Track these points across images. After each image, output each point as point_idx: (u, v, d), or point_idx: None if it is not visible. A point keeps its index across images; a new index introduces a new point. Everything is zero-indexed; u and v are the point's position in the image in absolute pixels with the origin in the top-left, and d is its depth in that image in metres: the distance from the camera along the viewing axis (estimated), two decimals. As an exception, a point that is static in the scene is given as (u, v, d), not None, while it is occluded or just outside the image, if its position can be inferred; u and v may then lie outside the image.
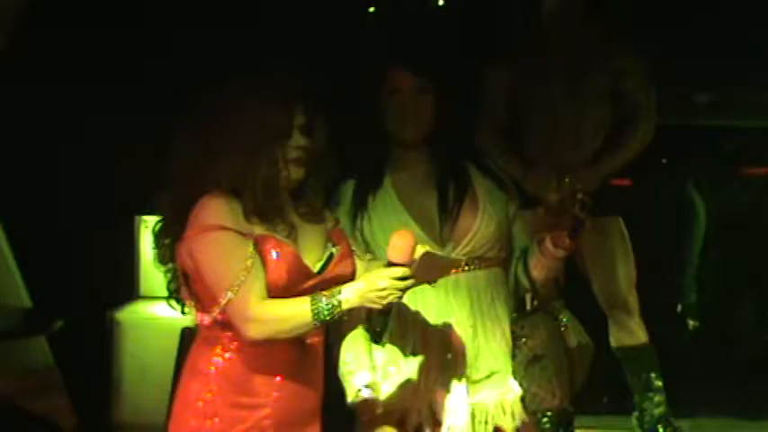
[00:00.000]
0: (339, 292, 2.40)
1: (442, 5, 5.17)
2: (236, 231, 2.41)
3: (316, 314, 2.39)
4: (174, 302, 2.56)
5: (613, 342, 4.15)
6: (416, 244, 2.45)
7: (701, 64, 5.01)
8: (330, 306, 2.39)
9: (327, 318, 2.39)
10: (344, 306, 2.40)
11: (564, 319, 2.95)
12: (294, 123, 2.48)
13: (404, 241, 2.44)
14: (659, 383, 4.08)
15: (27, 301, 4.06)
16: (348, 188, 2.89)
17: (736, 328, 5.41)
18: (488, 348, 2.83)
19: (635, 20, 4.50)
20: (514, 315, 2.91)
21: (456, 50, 4.34)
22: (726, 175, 5.41)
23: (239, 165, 2.43)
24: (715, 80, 5.18)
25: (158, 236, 2.54)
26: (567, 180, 2.72)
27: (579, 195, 2.69)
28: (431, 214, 2.84)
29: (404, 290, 2.42)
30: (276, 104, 2.46)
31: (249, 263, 2.39)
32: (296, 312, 2.40)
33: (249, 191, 2.44)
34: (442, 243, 2.80)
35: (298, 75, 2.53)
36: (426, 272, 2.48)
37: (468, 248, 2.82)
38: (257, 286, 2.40)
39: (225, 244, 2.41)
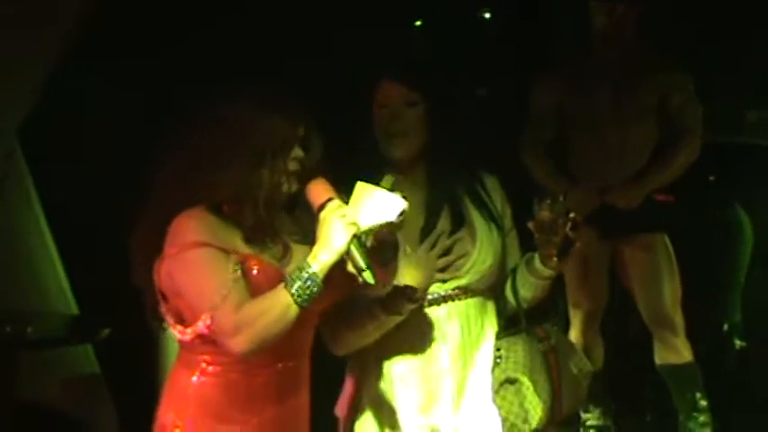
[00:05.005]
0: (308, 265, 2.26)
1: (489, 19, 5.17)
2: (218, 248, 2.31)
3: (296, 295, 2.25)
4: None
5: (658, 360, 4.13)
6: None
7: (751, 81, 4.97)
8: (306, 280, 2.25)
9: (310, 293, 2.25)
10: (320, 273, 2.26)
11: (551, 342, 2.82)
12: (296, 135, 2.40)
13: (318, 183, 2.36)
14: (704, 403, 4.05)
15: (74, 309, 4.11)
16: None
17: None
18: (476, 377, 2.77)
19: (684, 36, 4.47)
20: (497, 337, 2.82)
21: (452, 66, 4.31)
22: (773, 193, 5.35)
23: (244, 175, 2.34)
24: (764, 97, 5.13)
25: (135, 252, 2.43)
26: (561, 199, 2.67)
27: (571, 215, 2.64)
28: (418, 240, 2.74)
29: (350, 215, 2.29)
30: (283, 114, 2.37)
31: (232, 278, 2.29)
32: (275, 301, 2.26)
33: (251, 203, 2.35)
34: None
35: (297, 87, 2.45)
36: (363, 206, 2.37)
37: (463, 282, 2.75)
38: (238, 300, 2.27)
39: (206, 261, 2.30)
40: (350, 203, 2.36)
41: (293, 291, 2.26)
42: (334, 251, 2.28)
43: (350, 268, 2.35)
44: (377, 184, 2.74)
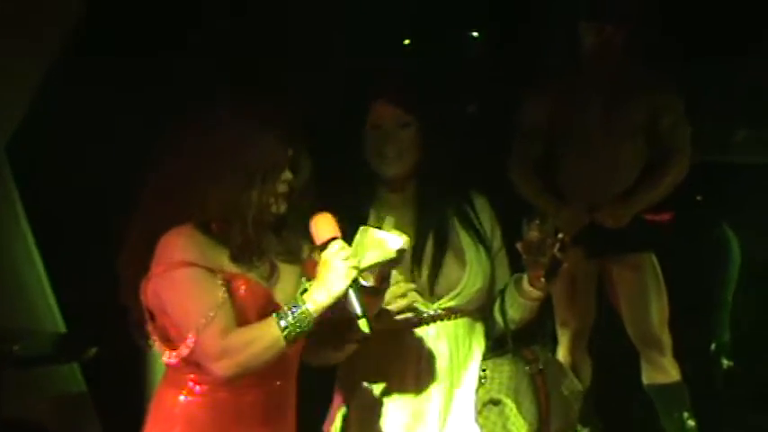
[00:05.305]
0: (303, 301, 2.27)
1: (478, 37, 5.19)
2: (204, 267, 2.30)
3: (285, 330, 2.25)
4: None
5: (645, 379, 4.13)
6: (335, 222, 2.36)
7: (738, 100, 4.98)
8: (298, 317, 2.26)
9: (299, 330, 2.26)
10: (314, 312, 2.26)
11: (539, 365, 2.83)
12: (287, 157, 2.40)
13: (325, 217, 2.35)
14: (692, 423, 4.05)
15: (61, 327, 4.09)
16: None
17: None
18: (462, 397, 2.78)
19: (673, 55, 4.49)
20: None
21: (443, 86, 4.32)
22: (761, 213, 5.37)
23: (233, 196, 2.33)
24: (751, 117, 5.15)
25: (122, 268, 2.41)
26: (548, 220, 2.68)
27: (559, 236, 2.65)
28: (409, 263, 2.73)
29: (353, 259, 2.29)
30: (275, 136, 2.36)
31: (218, 300, 2.28)
32: (264, 332, 2.26)
33: (240, 223, 2.34)
34: (420, 293, 2.74)
35: (292, 105, 2.47)
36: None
37: (452, 303, 2.76)
38: (224, 324, 2.26)
39: (192, 281, 2.29)
40: (353, 246, 2.36)
41: (284, 325, 2.26)
42: (331, 294, 2.28)
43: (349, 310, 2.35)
44: (368, 202, 2.77)
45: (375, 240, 2.39)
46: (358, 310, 2.29)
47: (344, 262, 2.29)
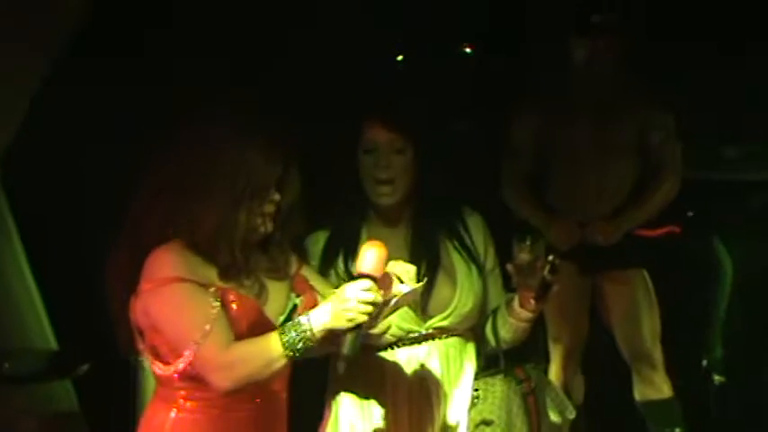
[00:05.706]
0: (307, 318, 2.26)
1: (470, 53, 5.20)
2: (195, 282, 2.30)
3: (287, 346, 2.25)
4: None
5: (638, 396, 4.13)
6: (388, 258, 2.33)
7: (729, 116, 5.00)
8: (301, 334, 2.25)
9: (300, 347, 2.24)
10: (316, 331, 2.24)
11: (531, 384, 2.84)
12: (275, 178, 2.38)
13: (376, 251, 2.31)
14: (685, 439, 4.06)
15: (53, 344, 4.08)
16: (319, 239, 2.79)
17: (762, 383, 5.35)
18: (454, 416, 2.77)
19: (663, 72, 4.51)
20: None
21: (438, 108, 4.32)
22: (753, 229, 5.38)
23: (222, 215, 2.31)
24: (741, 133, 5.17)
25: (110, 282, 2.40)
26: (540, 241, 2.67)
27: (550, 257, 2.64)
28: None
29: (371, 306, 2.26)
30: (266, 156, 2.35)
31: (213, 312, 2.28)
32: (265, 347, 2.26)
33: (227, 244, 2.33)
34: (412, 311, 2.73)
35: (284, 124, 2.44)
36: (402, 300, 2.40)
37: (444, 323, 2.75)
38: (223, 335, 2.27)
39: (184, 296, 2.29)
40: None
41: (286, 340, 2.25)
42: (331, 326, 2.26)
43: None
44: (360, 222, 2.76)
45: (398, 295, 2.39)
46: (346, 350, 2.28)
47: (361, 306, 2.26)
